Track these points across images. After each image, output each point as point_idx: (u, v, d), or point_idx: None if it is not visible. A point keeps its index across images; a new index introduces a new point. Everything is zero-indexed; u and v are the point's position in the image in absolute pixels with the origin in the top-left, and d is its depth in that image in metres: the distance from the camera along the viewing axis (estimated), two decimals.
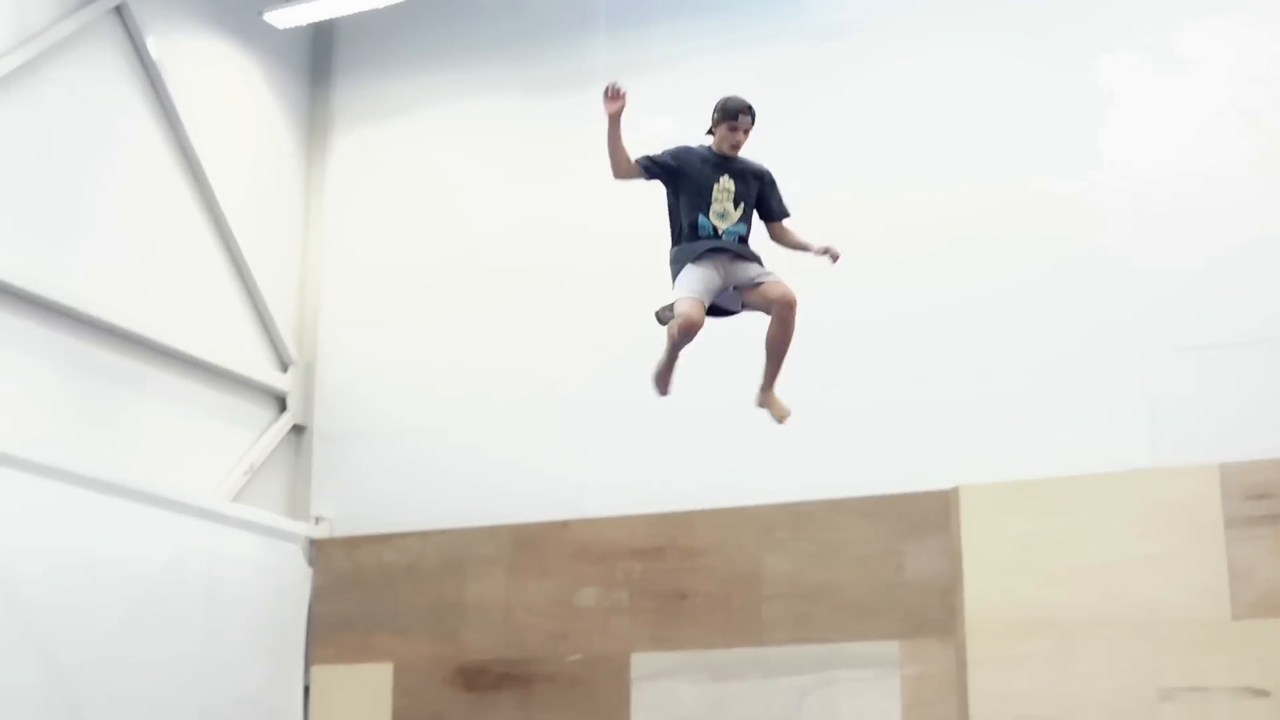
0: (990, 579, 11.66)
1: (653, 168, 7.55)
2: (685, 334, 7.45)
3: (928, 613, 11.86)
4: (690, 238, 7.51)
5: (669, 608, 12.65)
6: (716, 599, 12.45)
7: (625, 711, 12.51)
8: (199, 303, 13.23)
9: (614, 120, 7.28)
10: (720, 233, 7.51)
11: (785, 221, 7.89)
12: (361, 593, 13.56)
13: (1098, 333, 11.91)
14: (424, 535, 13.44)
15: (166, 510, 12.25)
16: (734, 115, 7.48)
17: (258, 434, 13.73)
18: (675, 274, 7.60)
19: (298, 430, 14.09)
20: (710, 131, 7.63)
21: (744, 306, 7.77)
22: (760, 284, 7.62)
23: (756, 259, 7.69)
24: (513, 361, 13.62)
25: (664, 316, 7.50)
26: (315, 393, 14.16)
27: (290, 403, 14.00)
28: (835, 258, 7.81)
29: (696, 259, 7.50)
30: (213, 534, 12.72)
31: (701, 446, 12.70)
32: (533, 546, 13.12)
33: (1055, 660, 11.36)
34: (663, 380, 7.99)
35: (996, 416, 12.02)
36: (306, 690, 13.43)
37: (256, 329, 13.85)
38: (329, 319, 14.34)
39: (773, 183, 7.81)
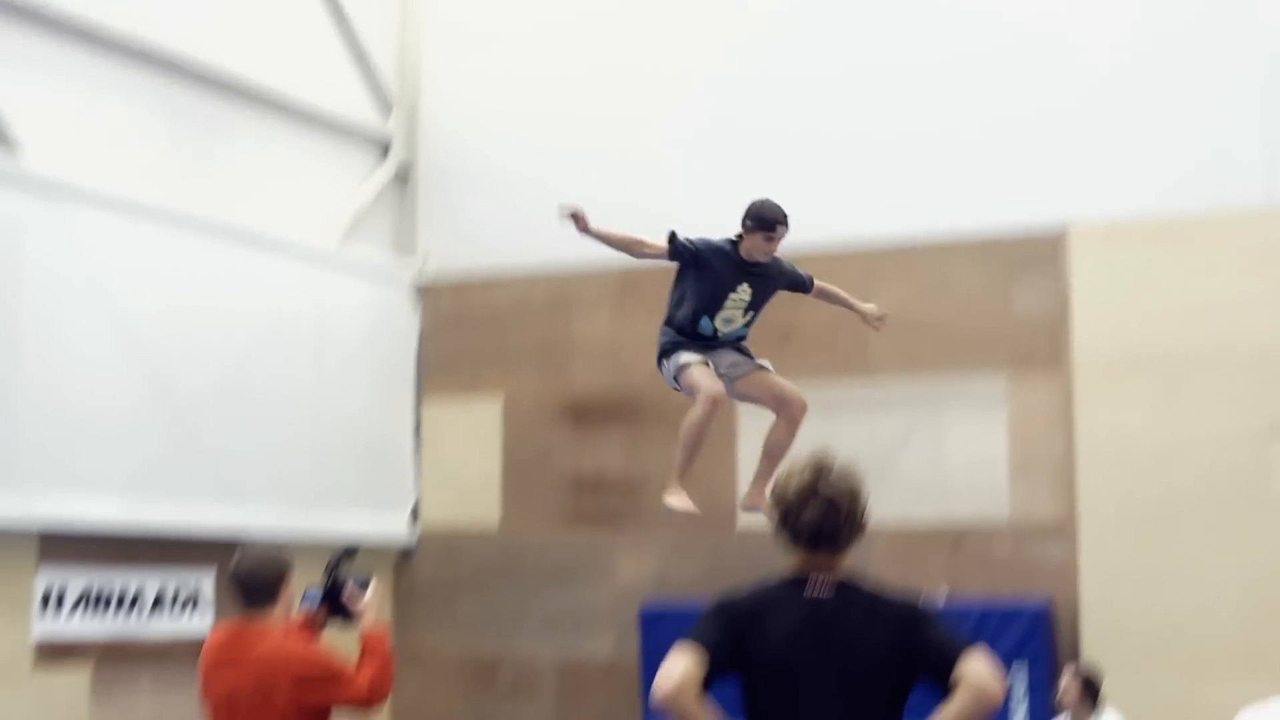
0: (1099, 316, 11.65)
1: (681, 251, 6.95)
2: (711, 411, 6.87)
3: (1036, 348, 11.89)
4: (689, 332, 7.00)
5: (775, 343, 12.71)
6: (823, 335, 12.51)
7: (732, 441, 12.66)
8: (302, 48, 13.18)
9: (596, 234, 6.88)
10: (718, 335, 7.03)
11: (816, 281, 7.41)
12: (469, 332, 13.76)
13: (1214, 70, 11.67)
14: (530, 275, 13.55)
15: (277, 254, 12.43)
16: (771, 226, 6.82)
17: (363, 178, 13.80)
18: (664, 346, 7.08)
19: (403, 173, 14.14)
20: (741, 236, 6.95)
21: (734, 395, 7.22)
22: (762, 372, 7.19)
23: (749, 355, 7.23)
24: (614, 101, 13.58)
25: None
26: (419, 134, 14.18)
27: (394, 145, 14.03)
28: (880, 321, 7.50)
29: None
30: (321, 276, 12.92)
31: (806, 182, 12.65)
32: (639, 286, 13.16)
33: (1163, 396, 11.39)
34: (681, 475, 7.10)
35: (1108, 155, 11.85)
36: (418, 426, 13.74)
37: (360, 73, 13.79)
38: (431, 61, 14.24)
39: (786, 269, 7.22)
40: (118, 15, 11.47)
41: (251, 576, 6.23)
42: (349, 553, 6.67)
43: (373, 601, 6.51)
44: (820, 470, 4.43)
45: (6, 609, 10.50)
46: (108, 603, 11.11)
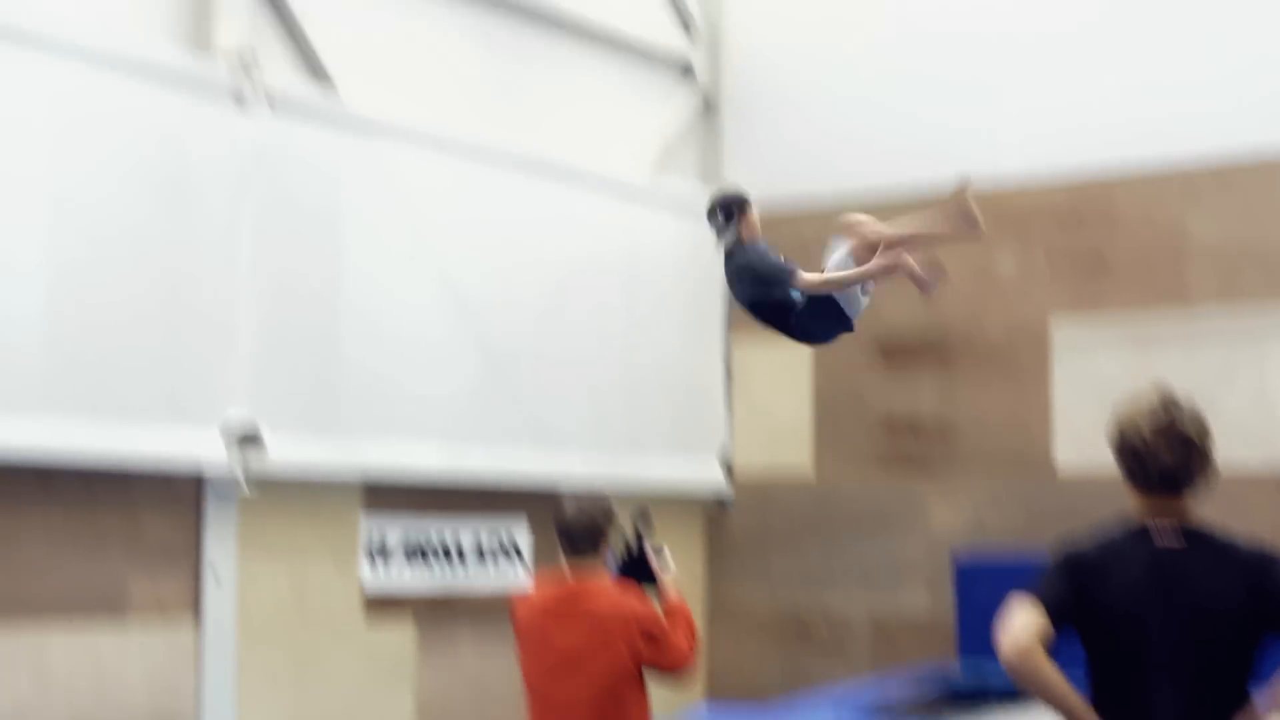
0: None
1: None
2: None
3: None
4: None
5: (1088, 273, 12.22)
6: (1138, 263, 11.92)
7: (1046, 381, 12.19)
8: None
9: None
10: None
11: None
12: None
13: None
14: (842, 206, 13.11)
15: (584, 188, 12.15)
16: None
17: (669, 109, 13.52)
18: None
19: (709, 102, 13.83)
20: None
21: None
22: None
23: None
24: (928, 12, 13.08)
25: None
26: (723, 61, 13.83)
27: (699, 74, 13.72)
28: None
29: None
30: (630, 210, 12.60)
31: (1117, 99, 12.07)
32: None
33: None
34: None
35: None
36: (728, 368, 13.47)
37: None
38: None
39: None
40: None
41: (577, 524, 6.18)
42: (645, 515, 6.61)
43: (671, 566, 6.46)
44: (1173, 407, 4.15)
45: (335, 559, 10.48)
46: (426, 554, 11.07)
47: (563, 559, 6.23)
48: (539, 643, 6.13)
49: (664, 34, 13.45)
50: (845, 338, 7.49)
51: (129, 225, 9.19)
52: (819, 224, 12.96)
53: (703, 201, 13.00)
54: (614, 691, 6.03)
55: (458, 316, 11.11)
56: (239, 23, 9.99)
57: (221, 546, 9.70)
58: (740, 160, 13.59)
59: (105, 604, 9.17)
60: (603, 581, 6.16)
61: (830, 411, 13.06)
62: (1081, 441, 11.89)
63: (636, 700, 6.11)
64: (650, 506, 6.83)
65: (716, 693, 12.67)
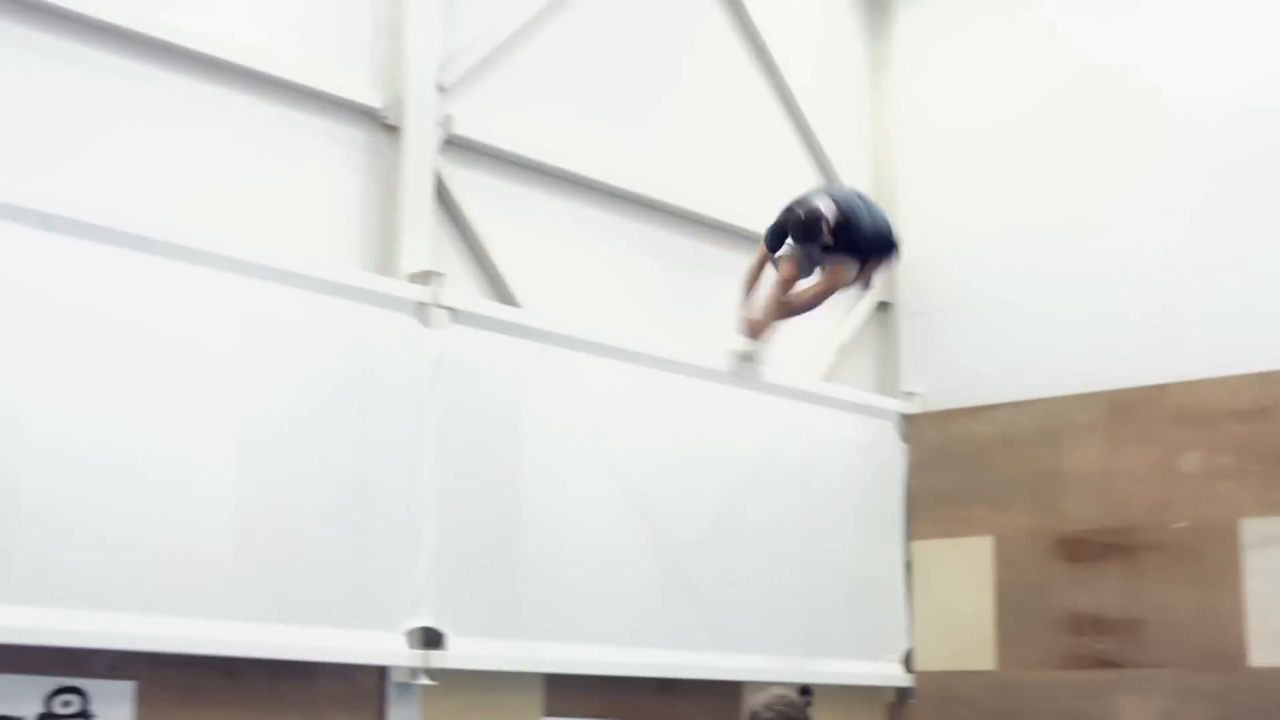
0: None
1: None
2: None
3: None
4: None
5: (1278, 470, 12.10)
6: None
7: (1236, 579, 11.99)
8: (775, 186, 13.28)
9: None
10: None
11: None
12: (956, 466, 13.46)
13: None
14: (1017, 405, 13.20)
15: (762, 392, 12.45)
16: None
17: (844, 313, 13.81)
18: None
19: (884, 306, 14.08)
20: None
21: None
22: None
23: None
24: (1099, 218, 13.21)
25: None
26: (899, 268, 14.08)
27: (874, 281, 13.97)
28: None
29: None
30: (807, 413, 12.86)
31: None
32: (1130, 412, 12.69)
33: None
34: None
35: None
36: (908, 564, 13.52)
37: None
38: (905, 192, 14.15)
39: None
40: (598, 163, 11.89)
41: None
42: (806, 691, 6.70)
43: None
44: None
45: None
46: None
47: None
48: None
49: None
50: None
51: (316, 437, 9.63)
52: (993, 423, 13.17)
53: (880, 402, 13.33)
54: None
55: (637, 518, 11.37)
56: (424, 246, 10.52)
57: None
58: (916, 362, 13.80)
59: None
60: None
61: (1013, 607, 12.98)
62: (1275, 637, 11.70)
63: None
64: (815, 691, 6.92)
65: None
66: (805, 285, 9.21)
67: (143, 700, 8.92)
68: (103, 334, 8.82)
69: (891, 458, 13.55)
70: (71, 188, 8.91)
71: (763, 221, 12.78)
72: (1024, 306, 13.26)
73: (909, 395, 13.75)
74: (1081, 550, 12.77)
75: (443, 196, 10.79)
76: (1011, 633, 12.98)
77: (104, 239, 8.83)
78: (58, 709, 8.65)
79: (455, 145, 10.89)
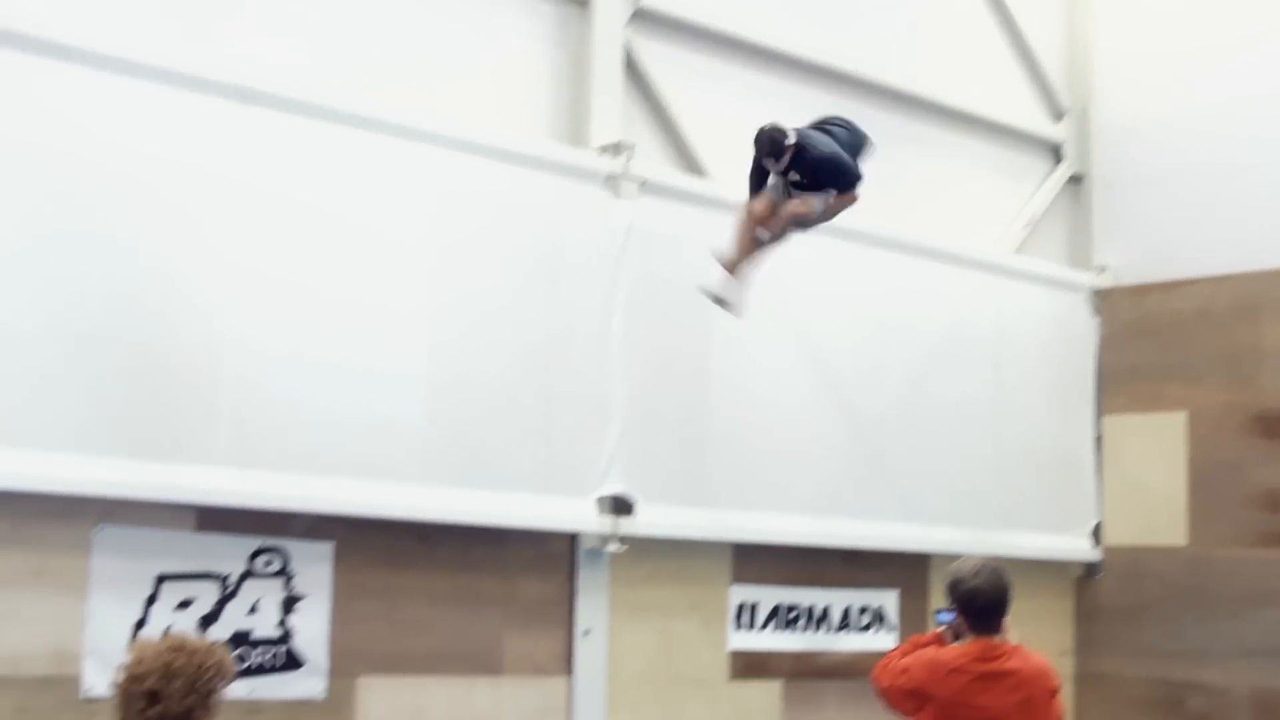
0: None
1: None
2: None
3: None
4: None
5: None
6: None
7: None
8: (969, 58, 12.88)
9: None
10: None
11: None
12: (1150, 340, 13.03)
13: None
14: (1214, 280, 12.69)
15: (952, 265, 12.14)
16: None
17: (1035, 185, 13.34)
18: None
19: (1075, 179, 13.61)
20: None
21: None
22: None
23: None
24: None
25: None
26: (1092, 139, 13.62)
27: (1066, 151, 13.51)
28: None
29: None
30: (997, 287, 12.52)
31: None
32: None
33: None
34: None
35: None
36: (1098, 439, 13.20)
37: (1027, 79, 13.36)
38: (1101, 62, 13.61)
39: None
40: (797, 39, 11.60)
41: (994, 591, 6.22)
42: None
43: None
44: None
45: (705, 621, 10.68)
46: (796, 619, 11.19)
47: (975, 623, 6.24)
48: (962, 706, 6.14)
49: (1032, 115, 13.34)
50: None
51: (508, 307, 9.60)
52: (1189, 297, 12.73)
53: (1071, 274, 12.96)
54: None
55: (826, 389, 11.22)
56: (614, 119, 10.38)
57: (593, 607, 10.00)
58: (1109, 235, 13.35)
59: (482, 660, 9.55)
60: (1014, 645, 6.21)
61: (1205, 483, 12.58)
62: None
63: None
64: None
65: None
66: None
67: (340, 561, 9.03)
68: (300, 207, 8.84)
69: (1083, 332, 13.18)
70: (263, 61, 8.91)
71: (954, 94, 12.54)
72: (1223, 178, 12.70)
73: (1101, 269, 13.33)
74: (1278, 427, 12.34)
75: (632, 69, 10.62)
76: (1203, 509, 12.60)
77: (298, 112, 8.82)
78: (259, 568, 8.79)
79: (644, 17, 10.69)
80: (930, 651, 6.33)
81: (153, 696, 3.77)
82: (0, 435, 7.84)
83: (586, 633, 9.93)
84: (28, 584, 8.08)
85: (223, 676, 3.91)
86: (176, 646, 3.86)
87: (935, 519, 11.69)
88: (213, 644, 4.00)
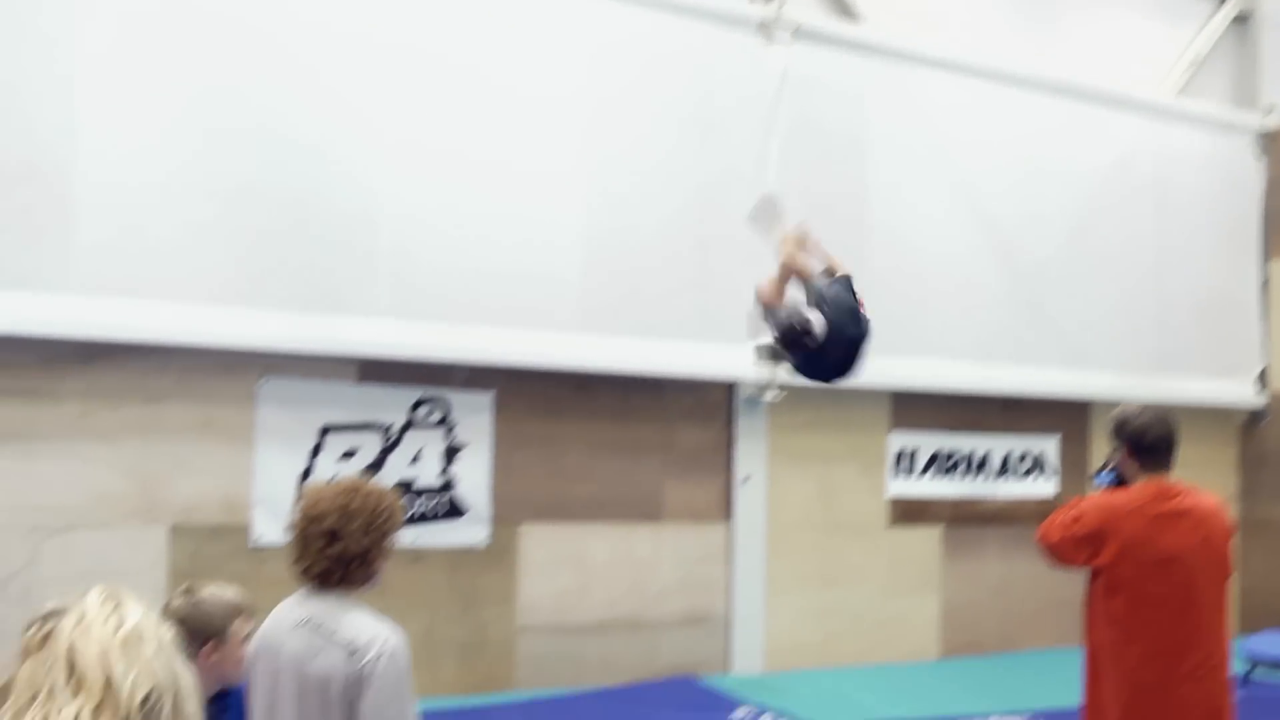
0: None
1: None
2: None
3: None
4: None
5: None
6: None
7: None
8: None
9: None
10: None
11: None
12: None
13: None
14: None
15: (1112, 108, 11.74)
16: None
17: (1198, 26, 12.89)
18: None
19: (1240, 18, 13.10)
20: None
21: None
22: None
23: None
24: None
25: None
26: None
27: None
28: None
29: None
30: (1159, 130, 12.08)
31: None
32: None
33: None
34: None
35: None
36: (1264, 283, 12.78)
37: None
38: None
39: None
40: None
41: (1163, 427, 6.04)
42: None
43: None
44: None
45: (864, 468, 10.58)
46: (955, 465, 11.04)
47: (1147, 465, 6.07)
48: (1143, 547, 6.00)
49: None
50: None
51: (663, 158, 9.44)
52: None
53: (1236, 117, 12.49)
54: (1219, 587, 5.92)
55: (984, 234, 10.95)
56: None
57: (751, 453, 9.92)
58: (1277, 76, 12.83)
59: (642, 507, 9.53)
60: (1187, 485, 6.06)
61: None
62: None
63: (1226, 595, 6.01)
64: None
65: (1250, 608, 12.06)
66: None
67: (500, 411, 9.02)
68: (453, 68, 8.76)
69: (1248, 175, 12.70)
70: None
71: None
72: None
73: (1269, 110, 12.83)
74: None
75: None
76: None
77: None
78: (421, 418, 8.81)
79: None
80: (1102, 496, 6.15)
81: (332, 536, 3.74)
82: (168, 291, 7.89)
83: (745, 479, 9.87)
84: (197, 436, 8.17)
85: (396, 518, 3.89)
86: (352, 488, 3.84)
87: (1097, 365, 11.41)
88: (385, 487, 3.98)
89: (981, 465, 11.05)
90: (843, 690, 9.67)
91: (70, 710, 1.87)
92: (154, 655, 1.94)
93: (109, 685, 1.89)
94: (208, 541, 8.09)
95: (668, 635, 9.62)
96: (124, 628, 1.94)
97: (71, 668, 1.90)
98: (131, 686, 1.90)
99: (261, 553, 8.10)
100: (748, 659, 9.90)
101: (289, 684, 3.73)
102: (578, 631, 9.30)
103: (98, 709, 1.87)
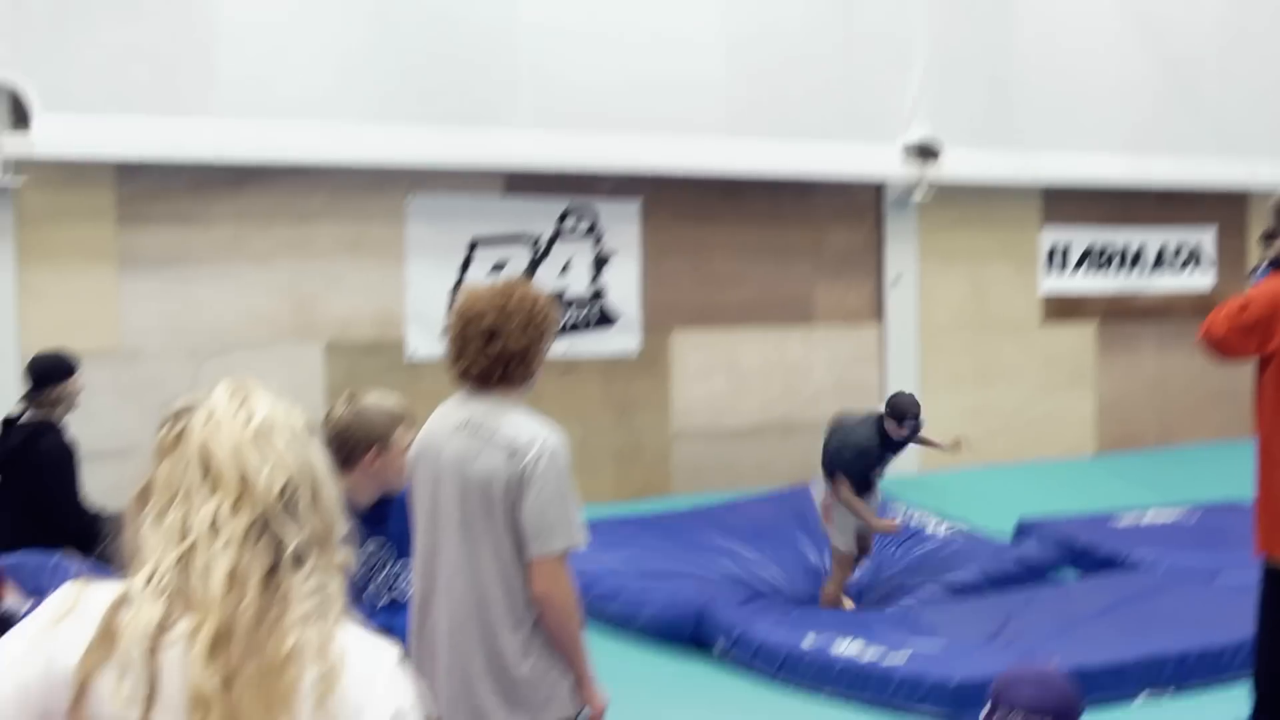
0: None
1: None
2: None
3: None
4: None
5: None
6: None
7: None
8: None
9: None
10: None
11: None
12: None
13: None
14: None
15: None
16: (902, 418, 7.28)
17: None
18: None
19: None
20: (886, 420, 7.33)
21: None
22: None
23: None
24: None
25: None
26: None
27: None
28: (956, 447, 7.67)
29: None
30: None
31: None
32: None
33: None
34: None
35: None
36: None
37: None
38: None
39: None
40: None
41: None
42: None
43: None
44: None
45: (1016, 266, 10.30)
46: (1109, 260, 10.75)
47: None
48: None
49: None
50: None
51: None
52: None
53: None
54: None
55: (1137, 23, 10.53)
56: None
57: (902, 254, 9.73)
58: None
59: (793, 310, 9.41)
60: None
61: None
62: None
63: None
64: None
65: None
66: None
67: (648, 218, 8.91)
68: None
69: None
70: None
71: None
72: None
73: None
74: None
75: None
76: None
77: None
78: (568, 229, 8.73)
79: None
80: (1266, 284, 5.89)
81: (491, 335, 3.65)
82: (314, 112, 7.86)
83: (896, 280, 9.69)
84: (348, 254, 8.18)
85: (554, 318, 3.81)
86: (509, 288, 3.75)
87: (1255, 153, 10.99)
88: (541, 289, 3.90)
89: (1136, 259, 10.75)
90: (997, 488, 9.57)
91: (209, 508, 1.83)
92: (287, 446, 1.89)
93: (244, 480, 1.84)
94: (362, 358, 8.13)
95: (821, 438, 9.53)
96: (254, 421, 1.89)
97: (206, 465, 1.86)
98: (267, 479, 1.85)
99: (416, 367, 8.12)
100: (902, 460, 9.81)
101: (450, 487, 3.68)
102: (732, 436, 9.27)
103: (236, 504, 1.83)
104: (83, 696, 1.80)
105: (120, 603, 1.83)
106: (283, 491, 1.87)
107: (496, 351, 3.70)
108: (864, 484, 7.33)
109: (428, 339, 8.00)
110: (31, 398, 6.35)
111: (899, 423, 7.32)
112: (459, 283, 8.30)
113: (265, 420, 1.90)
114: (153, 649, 1.80)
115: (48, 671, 1.82)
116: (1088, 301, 10.53)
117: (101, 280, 7.71)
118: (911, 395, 7.53)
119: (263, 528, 1.85)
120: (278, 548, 1.85)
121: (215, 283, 7.89)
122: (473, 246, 8.41)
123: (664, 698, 6.09)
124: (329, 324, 8.09)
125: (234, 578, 1.82)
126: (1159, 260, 10.80)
